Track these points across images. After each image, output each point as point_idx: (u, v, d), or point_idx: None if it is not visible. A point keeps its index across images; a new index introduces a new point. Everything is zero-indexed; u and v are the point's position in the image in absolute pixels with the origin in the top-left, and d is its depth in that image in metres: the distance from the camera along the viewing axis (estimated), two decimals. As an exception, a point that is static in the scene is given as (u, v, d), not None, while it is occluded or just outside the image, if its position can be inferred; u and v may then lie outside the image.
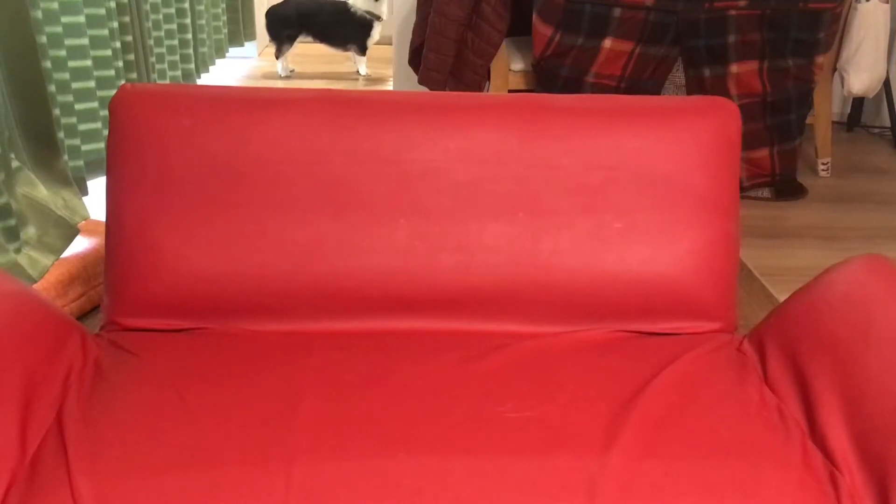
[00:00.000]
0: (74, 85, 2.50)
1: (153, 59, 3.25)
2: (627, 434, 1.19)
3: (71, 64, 2.46)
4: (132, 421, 1.20)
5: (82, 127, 2.56)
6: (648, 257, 1.49)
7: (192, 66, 3.80)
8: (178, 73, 3.63)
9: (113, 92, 2.63)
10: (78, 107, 2.53)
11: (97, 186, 2.62)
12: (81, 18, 2.49)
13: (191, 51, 3.76)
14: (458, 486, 1.10)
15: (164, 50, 3.43)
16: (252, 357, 1.39)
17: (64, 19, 2.42)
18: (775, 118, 3.13)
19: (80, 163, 2.54)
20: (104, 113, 2.63)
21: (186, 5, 3.67)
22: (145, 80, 3.05)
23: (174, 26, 3.53)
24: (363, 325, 1.48)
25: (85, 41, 2.52)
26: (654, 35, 2.79)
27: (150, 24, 3.18)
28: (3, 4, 2.10)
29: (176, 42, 3.56)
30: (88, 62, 2.55)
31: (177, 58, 3.59)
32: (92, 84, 2.58)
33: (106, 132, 2.64)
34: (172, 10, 3.51)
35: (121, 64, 2.78)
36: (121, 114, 1.51)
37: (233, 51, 4.78)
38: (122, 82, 2.76)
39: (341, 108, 1.55)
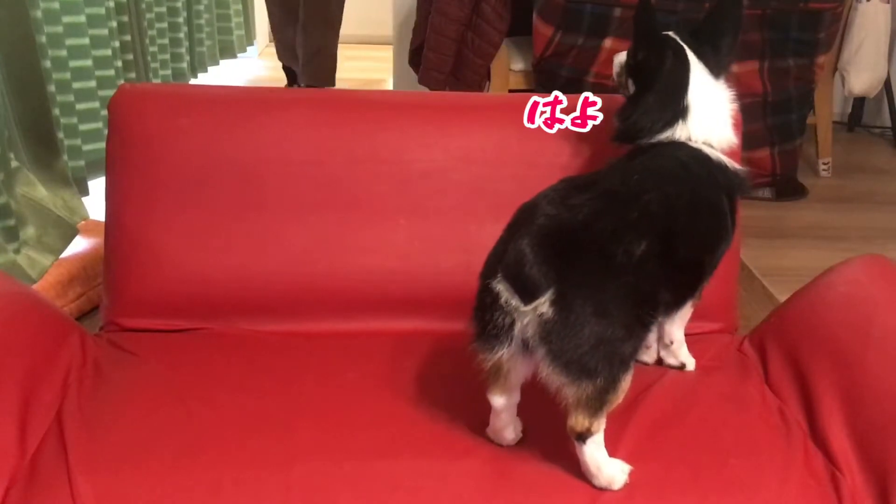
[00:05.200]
0: (75, 85, 2.49)
1: (156, 62, 3.26)
2: (628, 435, 1.18)
3: (72, 64, 2.46)
4: (132, 421, 1.20)
5: (83, 127, 2.55)
6: (649, 257, 1.48)
7: (188, 65, 3.79)
8: (186, 71, 3.63)
9: (113, 91, 2.63)
10: (79, 107, 2.53)
11: (98, 186, 2.60)
12: (82, 18, 2.49)
13: (183, 50, 3.75)
14: (459, 486, 1.10)
15: (166, 52, 3.42)
16: (252, 357, 1.38)
17: (65, 19, 2.41)
18: (776, 118, 3.12)
19: (81, 163, 2.53)
20: (105, 113, 2.62)
21: (179, 4, 3.67)
22: (144, 79, 3.04)
23: (174, 24, 3.53)
24: (363, 325, 1.47)
25: (86, 41, 2.52)
26: (655, 35, 2.78)
27: (148, 25, 3.17)
28: (3, 4, 2.10)
29: (183, 38, 3.56)
30: (89, 62, 2.54)
31: (183, 60, 3.59)
32: (93, 84, 2.57)
33: (107, 132, 2.63)
34: (179, 8, 3.51)
35: (120, 63, 2.77)
36: (120, 114, 1.51)
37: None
38: (121, 82, 2.75)
39: (341, 108, 1.55)
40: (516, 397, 1.15)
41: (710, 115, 1.27)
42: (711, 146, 1.26)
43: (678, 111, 1.26)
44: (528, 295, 1.03)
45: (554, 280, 1.02)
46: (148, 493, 1.06)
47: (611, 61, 1.39)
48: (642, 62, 1.28)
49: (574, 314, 1.02)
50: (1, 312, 1.27)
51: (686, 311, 1.36)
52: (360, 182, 1.49)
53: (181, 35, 3.70)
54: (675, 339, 1.37)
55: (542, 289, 1.02)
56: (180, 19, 3.67)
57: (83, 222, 2.31)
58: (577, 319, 1.02)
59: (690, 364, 1.39)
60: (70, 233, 2.22)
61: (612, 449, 1.12)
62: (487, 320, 1.08)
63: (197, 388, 1.28)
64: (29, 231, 2.13)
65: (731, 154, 1.29)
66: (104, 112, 2.59)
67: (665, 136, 1.26)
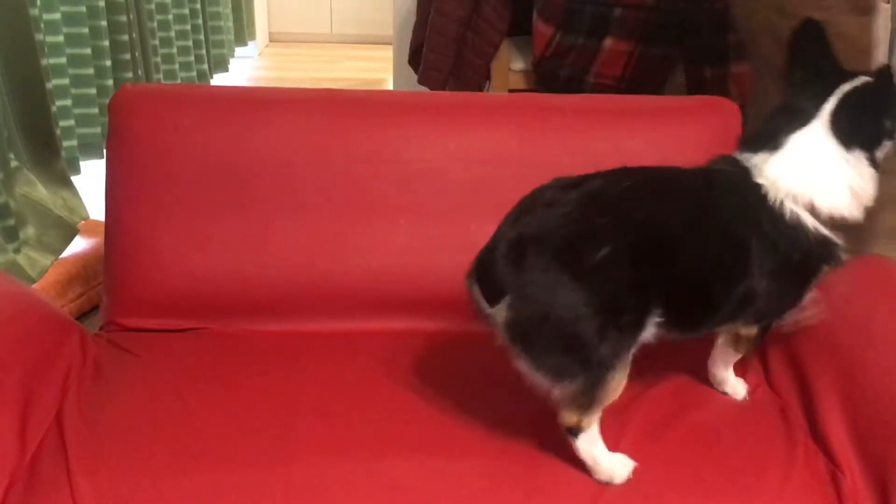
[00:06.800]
0: (55, 82, 2.48)
1: (174, 64, 3.24)
2: (629, 435, 1.19)
3: (51, 61, 2.45)
4: (132, 421, 1.20)
5: (62, 124, 2.53)
6: (649, 257, 1.48)
7: (206, 66, 3.79)
8: (194, 73, 3.63)
9: (90, 90, 2.63)
10: (58, 103, 2.51)
11: (76, 182, 2.57)
12: (57, 16, 2.48)
13: (204, 51, 3.76)
14: (460, 486, 1.10)
15: (189, 54, 3.43)
16: (252, 357, 1.38)
17: (45, 16, 2.41)
18: (776, 118, 3.11)
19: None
20: (77, 111, 2.61)
21: (199, 6, 3.67)
22: (142, 80, 3.03)
23: (188, 27, 3.53)
24: (363, 325, 1.47)
25: (60, 38, 2.50)
26: (655, 35, 2.78)
27: (154, 25, 3.16)
28: (2, 4, 2.10)
29: (190, 43, 3.55)
30: (63, 59, 2.52)
31: (191, 58, 3.59)
32: (66, 81, 2.55)
33: (80, 130, 2.62)
34: (199, 10, 3.51)
35: (108, 63, 2.75)
36: (120, 114, 1.51)
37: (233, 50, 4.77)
38: (108, 82, 2.74)
39: (341, 108, 1.55)
40: None
41: (804, 170, 1.16)
42: (781, 189, 1.15)
43: (774, 145, 1.17)
44: (492, 298, 1.06)
45: (513, 285, 1.04)
46: (148, 493, 1.07)
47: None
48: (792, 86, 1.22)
49: (533, 319, 1.04)
50: (1, 312, 1.27)
51: (727, 353, 1.30)
52: (360, 182, 1.49)
53: (201, 37, 3.70)
54: (714, 377, 1.32)
55: (503, 293, 1.05)
56: (200, 21, 3.67)
57: (83, 222, 2.31)
58: (537, 324, 1.04)
59: (740, 393, 1.32)
60: (70, 233, 2.22)
61: (613, 449, 1.12)
62: (479, 314, 1.12)
63: (197, 388, 1.28)
64: (29, 231, 2.13)
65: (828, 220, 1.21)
66: (77, 110, 2.59)
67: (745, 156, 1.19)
